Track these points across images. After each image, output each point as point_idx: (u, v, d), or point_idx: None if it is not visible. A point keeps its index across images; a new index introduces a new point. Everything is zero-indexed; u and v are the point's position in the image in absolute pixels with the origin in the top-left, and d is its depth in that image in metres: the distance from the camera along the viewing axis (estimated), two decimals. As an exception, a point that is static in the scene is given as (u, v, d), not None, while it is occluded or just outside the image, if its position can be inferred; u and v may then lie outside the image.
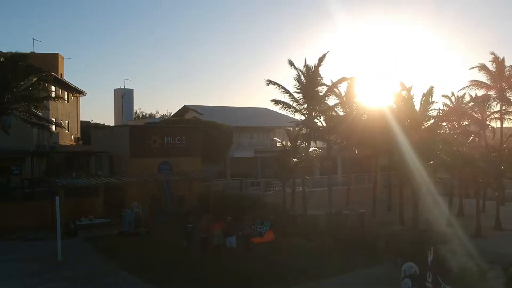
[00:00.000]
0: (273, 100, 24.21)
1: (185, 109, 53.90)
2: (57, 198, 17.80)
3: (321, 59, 23.13)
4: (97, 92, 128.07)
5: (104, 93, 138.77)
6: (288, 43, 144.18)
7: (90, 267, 17.93)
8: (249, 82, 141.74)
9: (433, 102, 25.60)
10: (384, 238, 18.98)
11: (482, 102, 38.36)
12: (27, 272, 17.21)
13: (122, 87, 50.26)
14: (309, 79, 23.31)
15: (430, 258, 13.46)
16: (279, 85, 23.63)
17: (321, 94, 23.90)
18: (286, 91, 23.48)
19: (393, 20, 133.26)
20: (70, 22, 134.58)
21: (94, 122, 51.87)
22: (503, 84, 36.87)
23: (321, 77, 23.65)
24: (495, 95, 37.55)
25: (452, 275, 15.95)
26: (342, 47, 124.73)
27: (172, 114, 69.43)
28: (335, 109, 27.43)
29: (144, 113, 71.93)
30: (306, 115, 23.89)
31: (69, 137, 45.26)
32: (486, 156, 28.86)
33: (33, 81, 24.42)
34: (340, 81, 25.02)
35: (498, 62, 37.06)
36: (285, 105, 23.85)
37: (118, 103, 49.79)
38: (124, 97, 49.05)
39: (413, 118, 23.75)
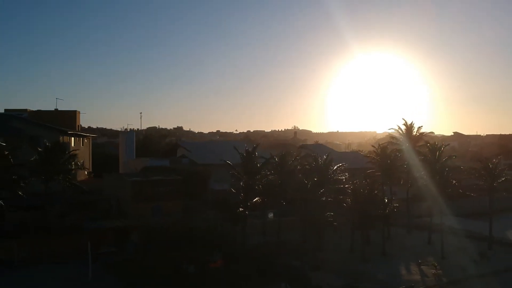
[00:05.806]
0: (229, 170, 36.74)
1: (176, 146, 66.78)
2: (88, 243, 29.98)
3: (254, 148, 35.69)
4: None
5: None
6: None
7: (110, 284, 30.01)
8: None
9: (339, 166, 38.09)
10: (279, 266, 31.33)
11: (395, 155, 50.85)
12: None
13: (126, 129, 62.95)
14: (248, 158, 35.69)
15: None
16: (226, 161, 36.22)
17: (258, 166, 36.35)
18: (232, 168, 36.02)
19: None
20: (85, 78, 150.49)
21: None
22: (411, 142, 49.48)
23: (257, 157, 36.04)
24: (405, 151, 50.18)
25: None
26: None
27: (166, 129, 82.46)
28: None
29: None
30: (244, 181, 36.22)
31: (83, 174, 57.82)
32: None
33: (66, 157, 36.82)
34: (270, 160, 37.37)
35: (408, 126, 49.75)
36: (233, 175, 36.41)
37: (122, 142, 62.44)
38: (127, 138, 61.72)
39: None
